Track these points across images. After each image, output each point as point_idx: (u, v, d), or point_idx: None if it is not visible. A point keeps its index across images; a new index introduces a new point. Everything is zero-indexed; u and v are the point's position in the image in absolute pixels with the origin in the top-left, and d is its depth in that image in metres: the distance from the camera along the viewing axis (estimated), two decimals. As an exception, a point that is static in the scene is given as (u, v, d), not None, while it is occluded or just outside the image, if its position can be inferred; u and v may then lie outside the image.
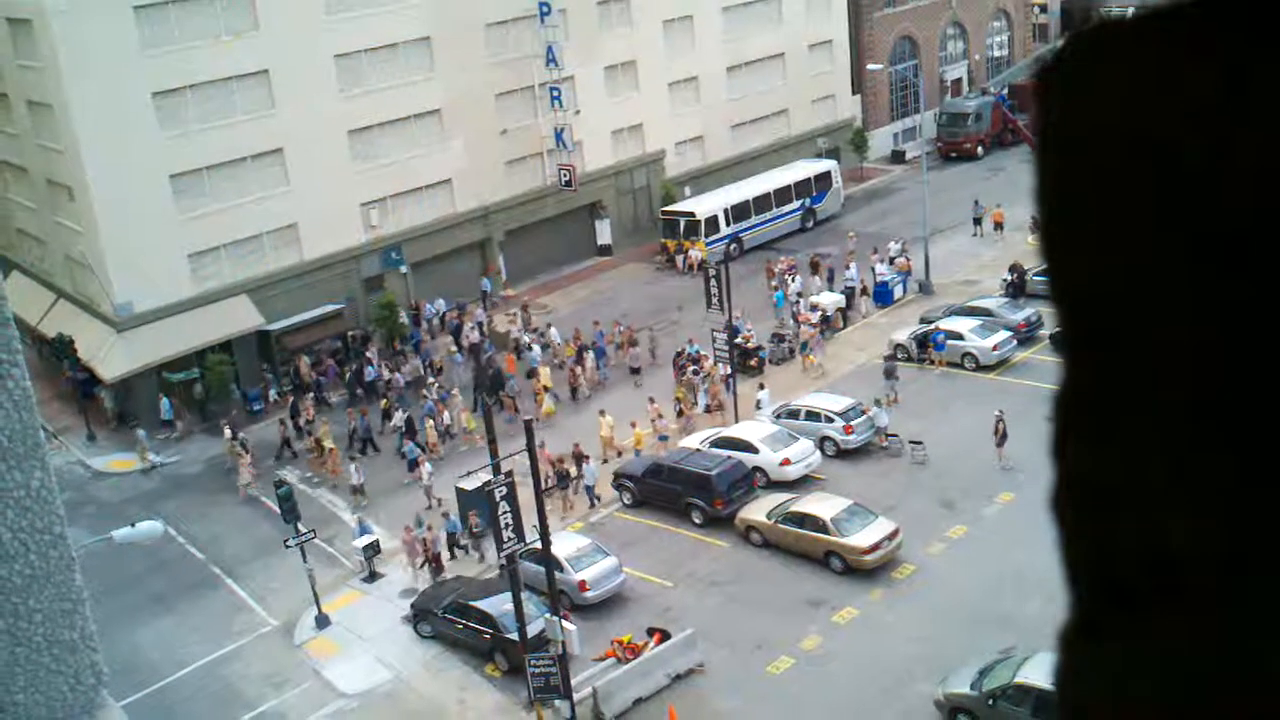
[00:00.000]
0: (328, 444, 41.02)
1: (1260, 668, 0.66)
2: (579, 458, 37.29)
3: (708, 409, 41.13)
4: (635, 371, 44.52)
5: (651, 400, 40.13)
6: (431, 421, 41.43)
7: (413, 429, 41.18)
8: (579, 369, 44.22)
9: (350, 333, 49.11)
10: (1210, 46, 0.66)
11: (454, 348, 47.80)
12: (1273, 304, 0.64)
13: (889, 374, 40.56)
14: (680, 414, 40.39)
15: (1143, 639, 0.71)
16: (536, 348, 46.51)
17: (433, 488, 37.74)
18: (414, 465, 39.58)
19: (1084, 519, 0.73)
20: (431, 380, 44.95)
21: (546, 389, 42.95)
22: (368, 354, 47.39)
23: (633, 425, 39.08)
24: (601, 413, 40.21)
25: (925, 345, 42.78)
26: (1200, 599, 0.68)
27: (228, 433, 42.49)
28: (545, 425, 39.75)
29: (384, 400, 44.12)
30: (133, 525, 25.22)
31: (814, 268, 51.35)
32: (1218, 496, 0.67)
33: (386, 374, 46.01)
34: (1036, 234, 0.76)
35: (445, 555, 34.94)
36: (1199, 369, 0.67)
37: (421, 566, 34.46)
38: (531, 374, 44.51)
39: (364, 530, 35.71)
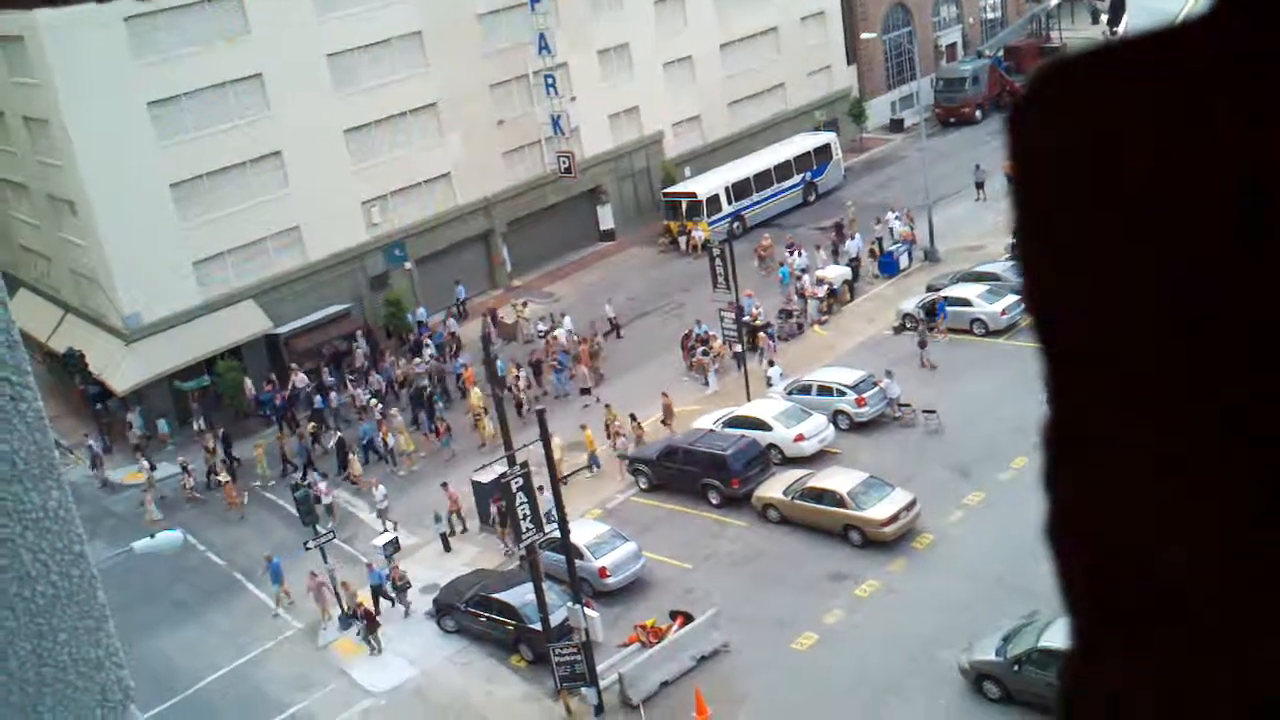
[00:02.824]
0: (222, 477, 39.84)
1: (1259, 690, 0.67)
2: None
3: (663, 422, 39.17)
4: (585, 391, 42.78)
5: (583, 428, 38.41)
6: (354, 455, 39.92)
7: (344, 455, 40.09)
8: (518, 385, 42.55)
9: (333, 342, 48.21)
10: (1176, 82, 0.67)
11: (416, 360, 46.62)
12: (1249, 338, 0.65)
13: (921, 344, 40.40)
14: (616, 433, 38.83)
15: (1142, 662, 0.71)
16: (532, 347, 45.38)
17: (388, 511, 37.11)
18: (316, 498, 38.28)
19: (1079, 549, 0.74)
20: (374, 401, 43.26)
21: (485, 411, 40.96)
22: (329, 371, 46.27)
23: (583, 428, 38.33)
24: (584, 427, 38.46)
25: (933, 313, 42.70)
26: (1198, 623, 0.69)
27: (145, 464, 41.31)
28: (488, 450, 38.75)
29: (311, 425, 42.69)
30: (152, 536, 25.36)
31: (838, 230, 51.30)
32: (1212, 521, 0.68)
33: (346, 391, 44.84)
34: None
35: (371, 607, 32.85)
36: (1177, 395, 0.68)
37: (349, 618, 32.58)
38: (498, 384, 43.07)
39: (274, 569, 33.95)
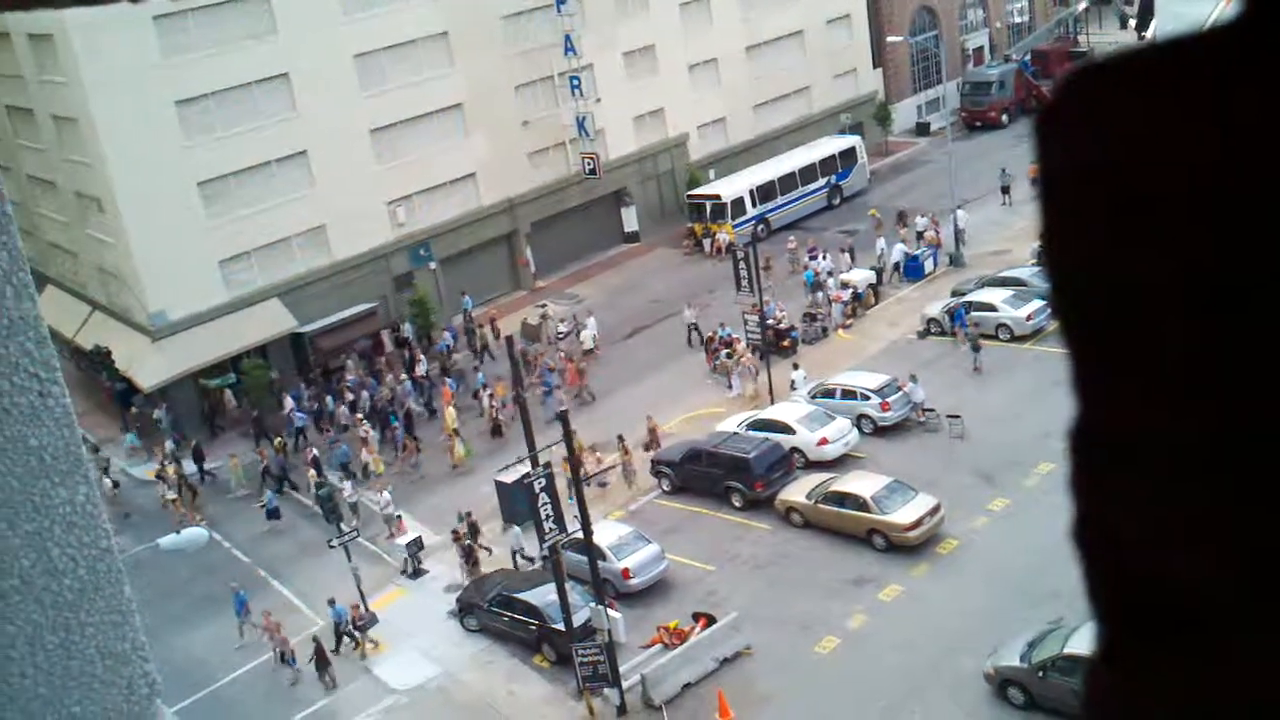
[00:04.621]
0: (169, 495, 38.88)
1: (1275, 695, 0.67)
2: (474, 528, 34.81)
3: (647, 447, 37.87)
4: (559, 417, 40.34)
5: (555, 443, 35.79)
6: (314, 473, 38.85)
7: (319, 466, 39.37)
8: (494, 405, 41.14)
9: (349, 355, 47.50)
10: (1205, 87, 0.67)
11: (404, 378, 45.32)
12: (1270, 343, 0.66)
13: (975, 347, 40.00)
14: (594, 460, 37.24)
15: (1162, 667, 0.72)
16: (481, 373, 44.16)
17: (394, 516, 36.68)
18: (273, 514, 37.89)
19: (1105, 554, 0.74)
20: (360, 416, 42.40)
21: (456, 434, 40.06)
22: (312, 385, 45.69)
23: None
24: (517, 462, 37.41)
25: (953, 319, 42.46)
26: (1216, 628, 0.69)
27: (108, 481, 40.42)
28: (459, 474, 38.47)
29: (277, 439, 41.87)
30: (178, 532, 25.45)
31: (900, 219, 51.42)
32: (1230, 529, 0.68)
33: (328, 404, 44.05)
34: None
35: (330, 645, 31.86)
36: (1201, 404, 0.68)
37: (284, 660, 31.44)
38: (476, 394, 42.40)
39: (238, 602, 33.15)
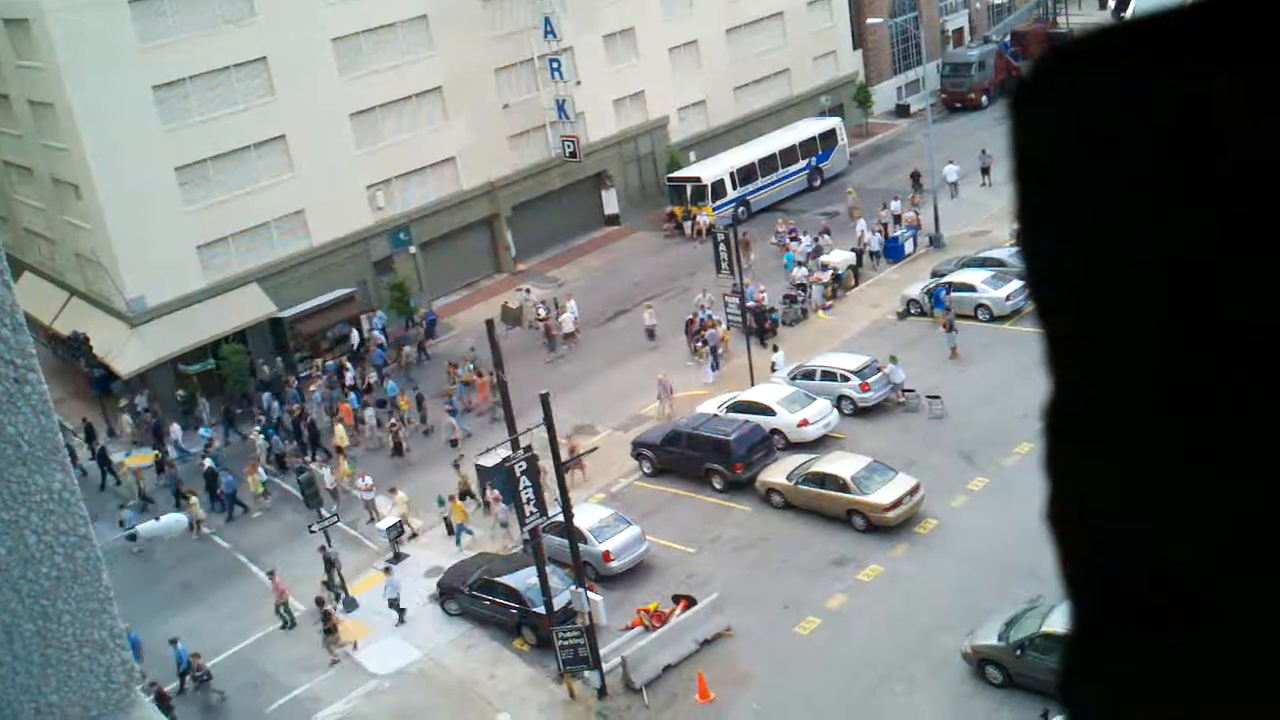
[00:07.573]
0: None
1: (1261, 677, 0.67)
2: (334, 585, 33.14)
3: (576, 463, 35.46)
4: (454, 443, 39.40)
5: (453, 498, 35.50)
6: (195, 498, 37.64)
7: (215, 481, 38.68)
8: (393, 423, 40.39)
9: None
10: (1178, 65, 0.66)
11: (313, 389, 44.06)
12: (1249, 321, 0.65)
13: (950, 327, 40.03)
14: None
15: (1143, 650, 0.71)
16: (391, 383, 43.44)
17: (375, 502, 36.59)
18: (133, 536, 36.53)
19: (1080, 534, 0.74)
20: (258, 430, 41.41)
21: (341, 450, 39.59)
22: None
23: (452, 498, 35.63)
24: (393, 490, 36.62)
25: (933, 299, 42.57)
26: (1200, 610, 0.68)
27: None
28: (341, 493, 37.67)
29: (154, 452, 41.05)
30: (157, 518, 25.41)
31: (916, 179, 51.28)
32: (1214, 509, 0.67)
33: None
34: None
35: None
36: (1180, 383, 0.67)
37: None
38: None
39: (132, 643, 31.04)
